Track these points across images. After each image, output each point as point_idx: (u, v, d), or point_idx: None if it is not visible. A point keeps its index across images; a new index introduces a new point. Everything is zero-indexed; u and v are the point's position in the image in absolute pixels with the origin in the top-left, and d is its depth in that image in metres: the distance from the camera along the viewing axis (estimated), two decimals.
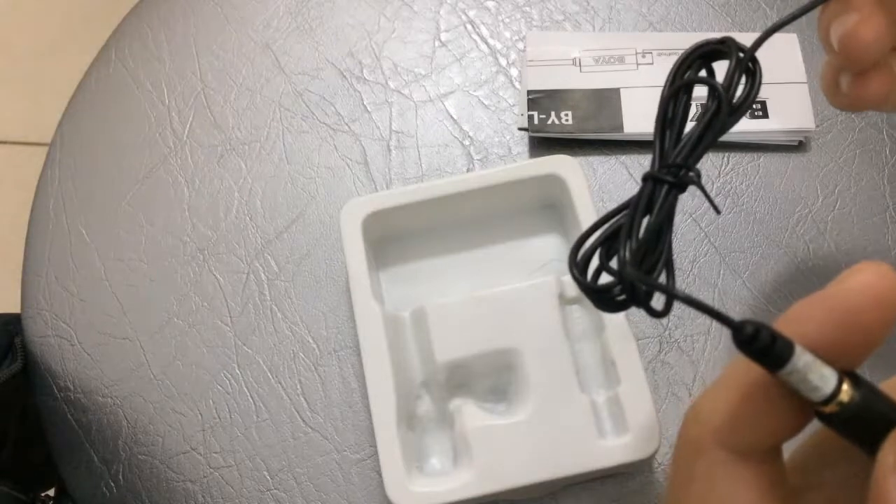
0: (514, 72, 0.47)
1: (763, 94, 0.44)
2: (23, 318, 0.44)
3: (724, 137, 0.43)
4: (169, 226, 0.45)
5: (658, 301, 0.27)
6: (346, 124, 0.46)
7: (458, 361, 0.37)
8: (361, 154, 0.46)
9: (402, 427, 0.35)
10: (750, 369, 0.20)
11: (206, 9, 0.51)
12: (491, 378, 0.37)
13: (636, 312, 0.41)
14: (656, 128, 0.29)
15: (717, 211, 0.31)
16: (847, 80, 0.31)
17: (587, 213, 0.38)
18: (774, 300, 0.40)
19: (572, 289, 0.38)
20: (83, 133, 0.48)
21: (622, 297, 0.27)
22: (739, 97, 0.29)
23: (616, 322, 0.36)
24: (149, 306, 0.43)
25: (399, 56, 0.48)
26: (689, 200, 0.43)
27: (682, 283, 0.41)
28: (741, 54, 0.28)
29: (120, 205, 0.45)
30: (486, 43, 0.48)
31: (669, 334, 0.40)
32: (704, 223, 0.42)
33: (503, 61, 0.48)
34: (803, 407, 0.20)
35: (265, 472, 0.39)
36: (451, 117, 0.46)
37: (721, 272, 0.41)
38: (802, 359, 0.19)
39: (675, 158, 0.28)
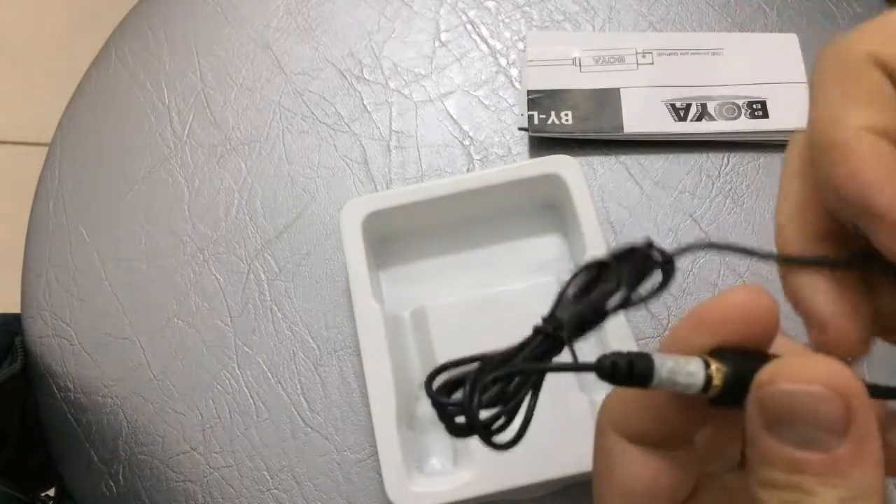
0: (514, 72, 0.47)
1: (763, 93, 0.44)
2: (23, 318, 0.44)
3: (724, 137, 0.44)
4: (169, 226, 0.45)
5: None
6: (346, 124, 0.46)
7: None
8: (361, 154, 0.46)
9: (402, 427, 0.35)
10: None
11: (206, 9, 0.51)
12: None
13: (636, 312, 0.41)
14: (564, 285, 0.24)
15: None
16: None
17: (587, 213, 0.38)
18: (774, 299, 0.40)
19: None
20: (83, 133, 0.48)
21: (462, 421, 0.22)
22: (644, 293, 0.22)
23: (616, 322, 0.36)
24: (149, 306, 0.43)
25: (399, 56, 0.48)
26: (688, 201, 0.43)
27: (682, 284, 0.41)
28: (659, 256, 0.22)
29: (120, 205, 0.45)
30: (486, 43, 0.48)
31: None
32: (704, 223, 0.42)
33: (503, 61, 0.48)
34: (690, 402, 0.21)
35: (265, 472, 0.39)
36: (451, 117, 0.46)
37: (721, 272, 0.41)
38: (665, 368, 0.19)
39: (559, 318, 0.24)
